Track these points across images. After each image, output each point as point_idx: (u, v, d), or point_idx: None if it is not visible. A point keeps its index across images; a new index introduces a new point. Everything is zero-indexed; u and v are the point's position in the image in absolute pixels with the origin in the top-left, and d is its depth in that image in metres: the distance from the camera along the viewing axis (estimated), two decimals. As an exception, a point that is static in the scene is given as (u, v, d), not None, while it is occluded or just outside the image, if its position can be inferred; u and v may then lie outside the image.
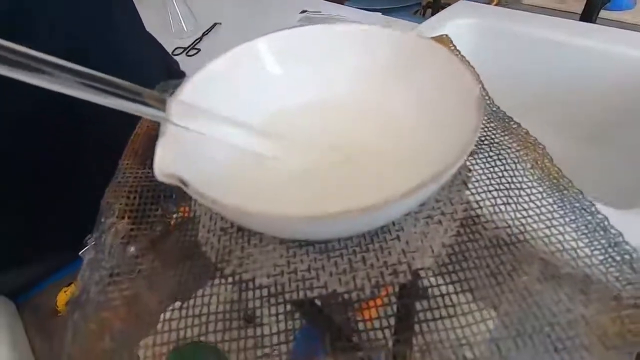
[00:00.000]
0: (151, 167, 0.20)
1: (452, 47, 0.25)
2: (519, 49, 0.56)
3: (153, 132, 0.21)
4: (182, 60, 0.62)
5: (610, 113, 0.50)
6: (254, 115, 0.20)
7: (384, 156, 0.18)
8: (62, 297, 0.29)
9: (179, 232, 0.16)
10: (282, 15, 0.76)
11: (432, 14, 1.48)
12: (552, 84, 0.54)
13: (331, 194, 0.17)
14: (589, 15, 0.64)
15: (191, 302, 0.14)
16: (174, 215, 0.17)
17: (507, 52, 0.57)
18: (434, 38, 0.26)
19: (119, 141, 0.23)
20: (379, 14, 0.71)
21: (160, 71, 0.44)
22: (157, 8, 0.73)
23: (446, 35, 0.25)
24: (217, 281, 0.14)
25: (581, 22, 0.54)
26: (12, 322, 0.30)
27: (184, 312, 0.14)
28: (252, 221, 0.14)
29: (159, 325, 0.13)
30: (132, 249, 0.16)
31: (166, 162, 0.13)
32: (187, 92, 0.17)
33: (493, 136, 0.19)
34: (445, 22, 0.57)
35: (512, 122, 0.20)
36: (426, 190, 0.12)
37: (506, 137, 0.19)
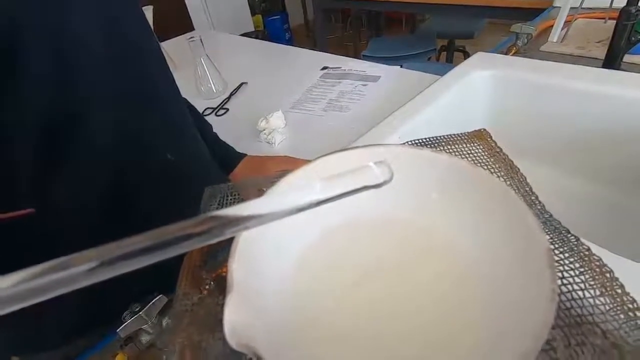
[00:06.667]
0: (207, 290, 0.20)
1: (493, 143, 0.25)
2: (536, 97, 0.56)
3: (205, 248, 0.21)
4: (212, 120, 0.65)
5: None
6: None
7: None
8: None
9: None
10: (305, 72, 0.80)
11: (447, 58, 1.53)
12: (577, 131, 0.54)
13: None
14: (612, 60, 0.64)
15: None
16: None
17: (527, 100, 0.57)
18: (472, 133, 0.26)
19: (168, 212, 0.22)
20: (398, 67, 0.74)
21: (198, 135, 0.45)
22: (187, 71, 0.79)
23: (484, 129, 0.26)
24: None
25: (595, 69, 0.54)
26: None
27: None
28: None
29: None
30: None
31: (238, 329, 0.13)
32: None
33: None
34: (465, 75, 0.59)
35: (570, 236, 0.19)
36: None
37: (566, 255, 0.18)
